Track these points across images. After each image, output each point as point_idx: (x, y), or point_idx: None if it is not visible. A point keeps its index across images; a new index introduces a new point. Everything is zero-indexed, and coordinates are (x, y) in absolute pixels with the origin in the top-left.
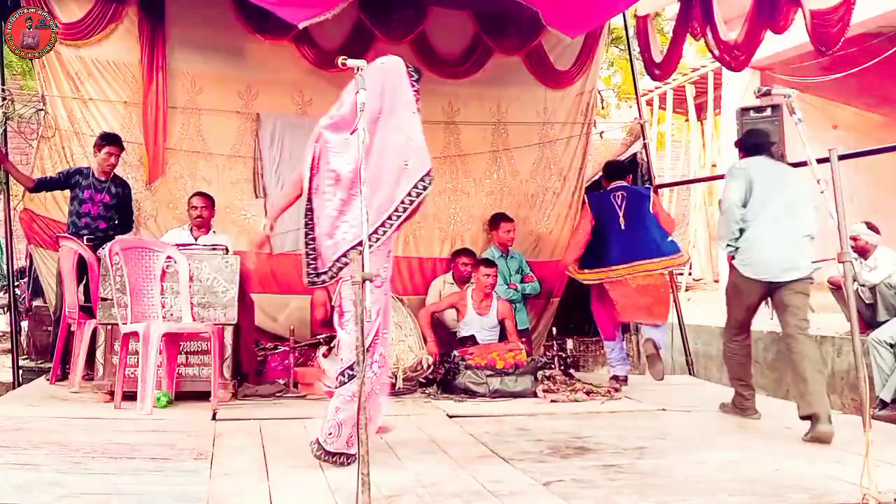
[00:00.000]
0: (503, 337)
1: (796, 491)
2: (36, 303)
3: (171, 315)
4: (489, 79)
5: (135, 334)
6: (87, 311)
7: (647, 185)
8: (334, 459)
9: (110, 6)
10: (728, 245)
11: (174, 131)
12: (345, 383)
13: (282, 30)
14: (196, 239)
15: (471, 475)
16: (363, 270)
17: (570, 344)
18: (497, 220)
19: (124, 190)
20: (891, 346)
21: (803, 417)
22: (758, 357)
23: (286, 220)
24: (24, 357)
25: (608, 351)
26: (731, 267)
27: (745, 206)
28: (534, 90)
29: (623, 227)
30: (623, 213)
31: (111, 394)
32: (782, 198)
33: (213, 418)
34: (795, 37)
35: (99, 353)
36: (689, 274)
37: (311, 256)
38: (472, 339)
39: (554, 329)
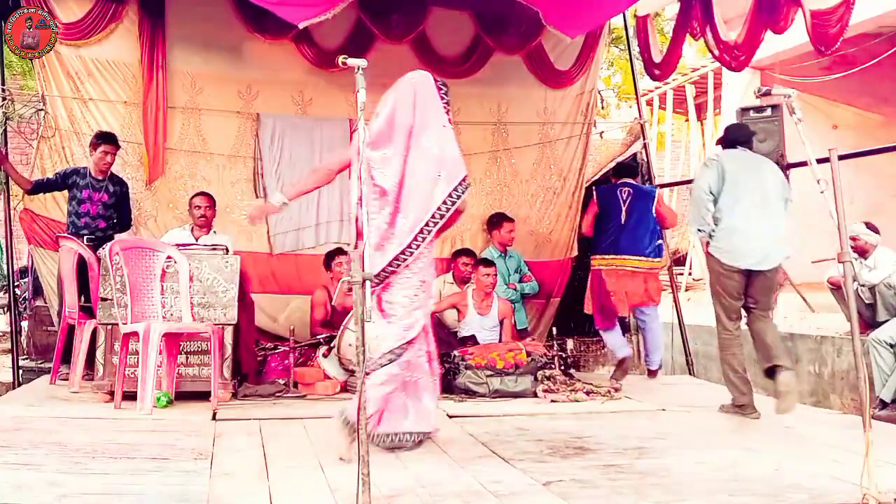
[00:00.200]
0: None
1: (796, 491)
2: (36, 303)
3: (171, 315)
4: (489, 79)
5: (135, 334)
6: (87, 311)
7: (652, 186)
8: (407, 439)
9: (110, 6)
10: (699, 230)
11: (174, 131)
12: (384, 365)
13: (282, 29)
14: (196, 239)
15: (471, 475)
16: (363, 270)
17: (570, 344)
18: (499, 219)
19: (122, 188)
20: (891, 346)
21: (767, 370)
22: (758, 357)
23: (285, 220)
24: (24, 357)
25: (608, 339)
26: (708, 254)
27: (717, 195)
28: (534, 90)
29: (623, 221)
30: (626, 207)
31: (111, 394)
32: (757, 188)
33: (213, 418)
34: (795, 37)
35: (99, 353)
36: (689, 274)
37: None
38: (472, 339)
39: (554, 329)
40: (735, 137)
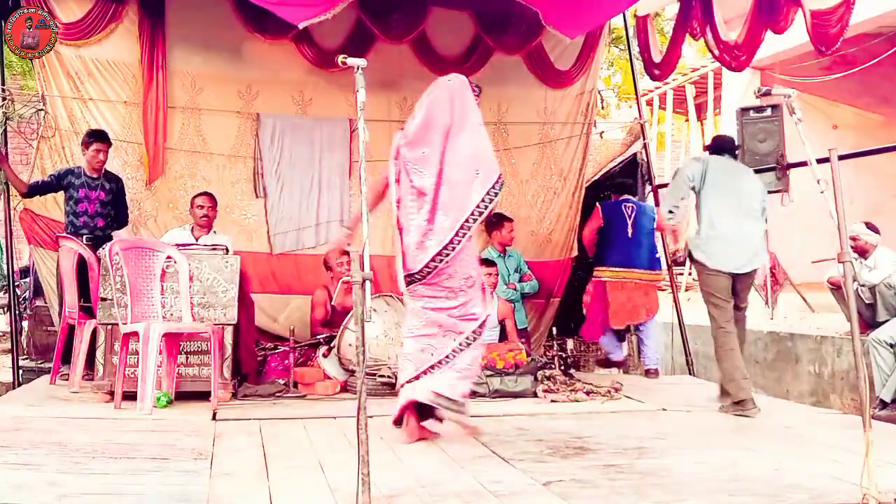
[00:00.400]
0: (503, 337)
1: (796, 491)
2: (36, 303)
3: (171, 315)
4: (489, 78)
5: (135, 334)
6: (87, 311)
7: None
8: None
9: (110, 6)
10: (670, 212)
11: (174, 131)
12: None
13: (282, 29)
14: (196, 239)
15: (471, 475)
16: (363, 270)
17: (570, 344)
18: (499, 220)
19: (118, 184)
20: (891, 346)
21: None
22: (758, 357)
23: (285, 220)
24: (24, 357)
25: (602, 342)
26: (694, 261)
27: (696, 188)
28: (534, 90)
29: (630, 234)
30: (632, 222)
31: (111, 394)
32: (739, 195)
33: (213, 418)
34: (795, 37)
35: (99, 353)
36: (689, 274)
37: (401, 263)
38: None
39: (554, 329)
40: (721, 145)
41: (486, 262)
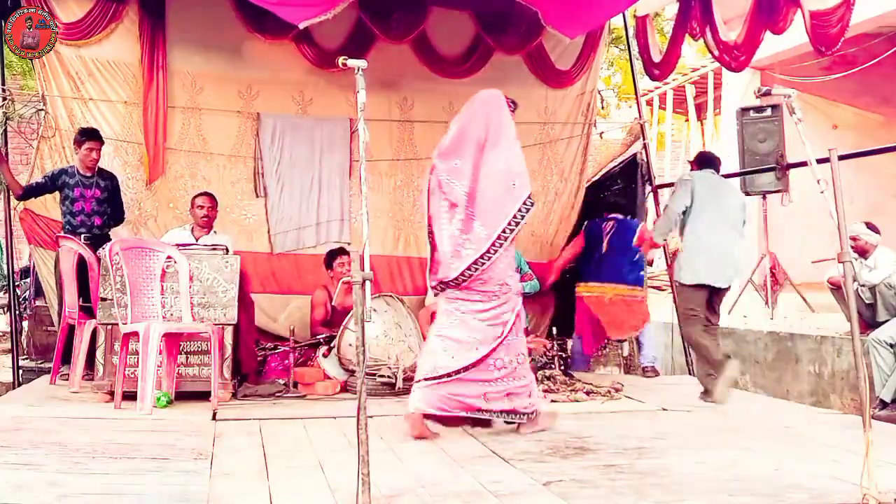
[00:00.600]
0: None
1: (796, 491)
2: (37, 303)
3: (171, 315)
4: (490, 78)
5: (135, 334)
6: (87, 311)
7: (636, 220)
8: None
9: (110, 6)
10: (661, 237)
11: (174, 131)
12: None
13: (282, 29)
14: (197, 239)
15: (471, 475)
16: (363, 270)
17: (570, 344)
18: None
19: (112, 182)
20: (891, 346)
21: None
22: (758, 357)
23: (285, 220)
24: (24, 357)
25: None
26: (674, 280)
27: (685, 212)
28: (535, 90)
29: (604, 250)
30: (607, 240)
31: (111, 394)
32: (723, 210)
33: (213, 418)
34: (795, 37)
35: (99, 353)
36: None
37: (432, 272)
38: None
39: (554, 329)
40: (706, 161)
41: None
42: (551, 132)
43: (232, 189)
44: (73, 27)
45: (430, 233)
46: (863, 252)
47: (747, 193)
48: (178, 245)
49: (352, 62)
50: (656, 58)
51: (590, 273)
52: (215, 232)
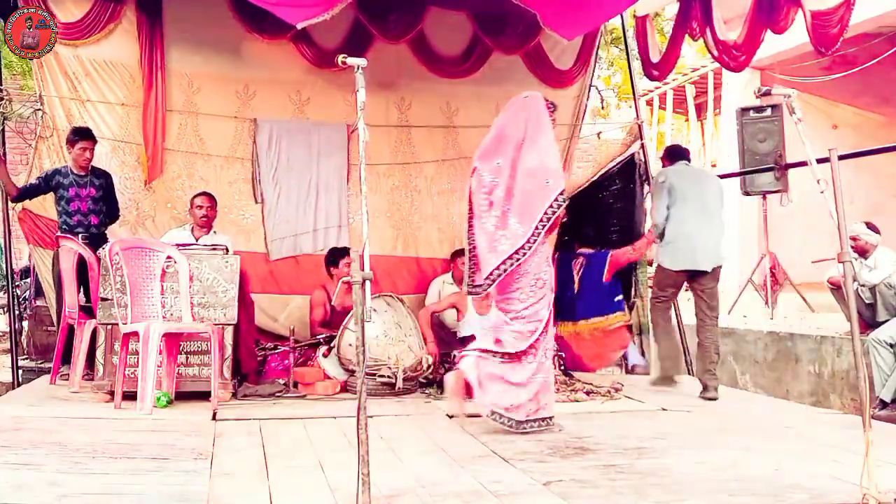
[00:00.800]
0: None
1: (796, 491)
2: (37, 303)
3: (171, 315)
4: (488, 79)
5: (135, 334)
6: (87, 311)
7: (605, 251)
8: (537, 426)
9: (108, 6)
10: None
11: (172, 131)
12: (527, 353)
13: (280, 29)
14: (196, 239)
15: (471, 475)
16: (363, 270)
17: None
18: None
19: (107, 180)
20: (891, 346)
21: (700, 374)
22: (758, 357)
23: (283, 225)
24: (24, 357)
25: None
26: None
27: (668, 207)
28: (534, 90)
29: (576, 290)
30: (578, 277)
31: (111, 394)
32: (698, 198)
33: (213, 418)
34: (796, 37)
35: (99, 353)
36: None
37: (472, 271)
38: (472, 339)
39: (555, 329)
40: (675, 154)
41: None
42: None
43: (230, 189)
44: (71, 27)
45: (471, 234)
46: (863, 252)
47: (747, 193)
48: (178, 245)
49: (351, 60)
50: (655, 58)
51: (566, 311)
52: (215, 232)
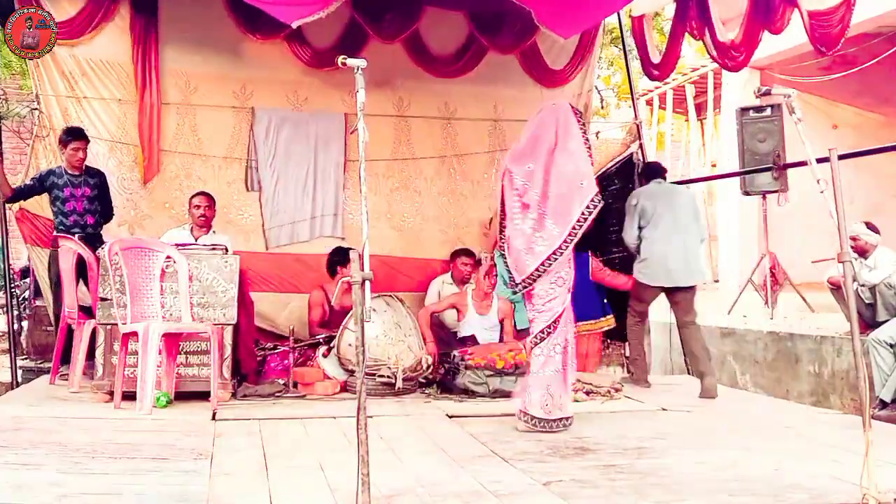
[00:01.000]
0: (503, 337)
1: (796, 491)
2: (36, 303)
3: (171, 315)
4: (485, 78)
5: (134, 334)
6: (87, 311)
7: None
8: (561, 425)
9: (102, 4)
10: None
11: (169, 131)
12: (538, 343)
13: (274, 28)
14: (196, 239)
15: (471, 475)
16: (362, 270)
17: None
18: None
19: (101, 179)
20: (891, 346)
21: (697, 375)
22: (758, 357)
23: (281, 213)
24: (23, 357)
25: None
26: (634, 279)
27: (641, 227)
28: (530, 90)
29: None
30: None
31: (111, 394)
32: (670, 215)
33: (213, 418)
34: (795, 37)
35: (99, 353)
36: None
37: (511, 273)
38: (472, 339)
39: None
40: (651, 172)
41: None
42: None
43: (228, 189)
44: (65, 25)
45: (503, 233)
46: (863, 252)
47: (747, 193)
48: (177, 245)
49: (351, 61)
50: (655, 58)
51: None
52: (214, 232)
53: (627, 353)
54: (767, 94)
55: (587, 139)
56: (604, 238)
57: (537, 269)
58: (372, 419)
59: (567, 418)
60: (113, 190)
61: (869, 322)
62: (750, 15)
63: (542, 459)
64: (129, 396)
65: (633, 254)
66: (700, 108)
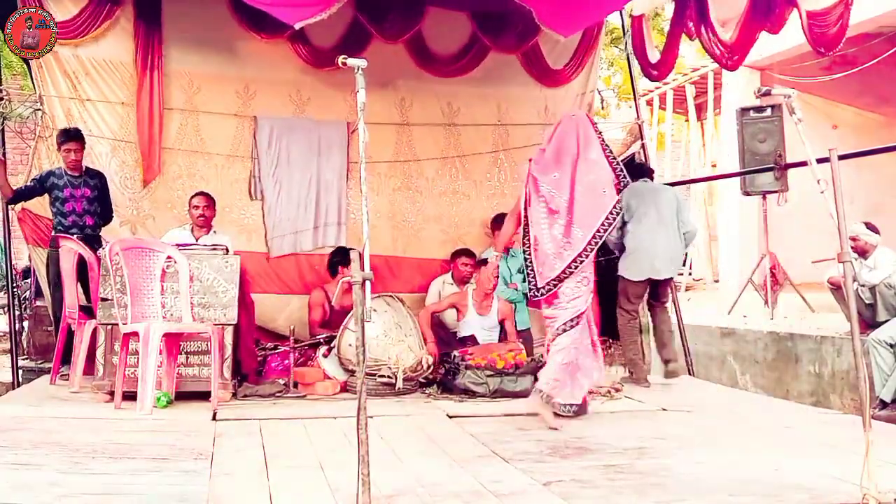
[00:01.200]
0: (503, 337)
1: (796, 491)
2: (37, 303)
3: (171, 315)
4: (489, 79)
5: (135, 334)
6: (87, 311)
7: None
8: (564, 409)
9: (105, 4)
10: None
11: (172, 131)
12: (559, 335)
13: (277, 29)
14: (197, 239)
15: (471, 475)
16: (362, 270)
17: None
18: (502, 221)
19: (101, 180)
20: (891, 346)
21: (665, 361)
22: (758, 357)
23: (284, 222)
24: (24, 357)
25: None
26: (619, 275)
27: (626, 222)
28: (532, 90)
29: None
30: None
31: (111, 394)
32: (654, 211)
33: (213, 418)
34: (795, 37)
35: (99, 353)
36: (689, 274)
37: (532, 276)
38: (472, 339)
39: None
40: (636, 172)
41: (486, 262)
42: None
43: (231, 189)
44: (67, 25)
45: (526, 238)
46: (863, 252)
47: (747, 193)
48: (178, 245)
49: (352, 61)
50: (653, 58)
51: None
52: (215, 232)
53: (624, 355)
54: (768, 94)
55: (606, 146)
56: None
57: (563, 272)
58: (372, 419)
59: (573, 405)
60: (116, 190)
61: (869, 322)
62: (748, 14)
63: (542, 459)
64: (130, 396)
65: (612, 251)
66: (700, 109)
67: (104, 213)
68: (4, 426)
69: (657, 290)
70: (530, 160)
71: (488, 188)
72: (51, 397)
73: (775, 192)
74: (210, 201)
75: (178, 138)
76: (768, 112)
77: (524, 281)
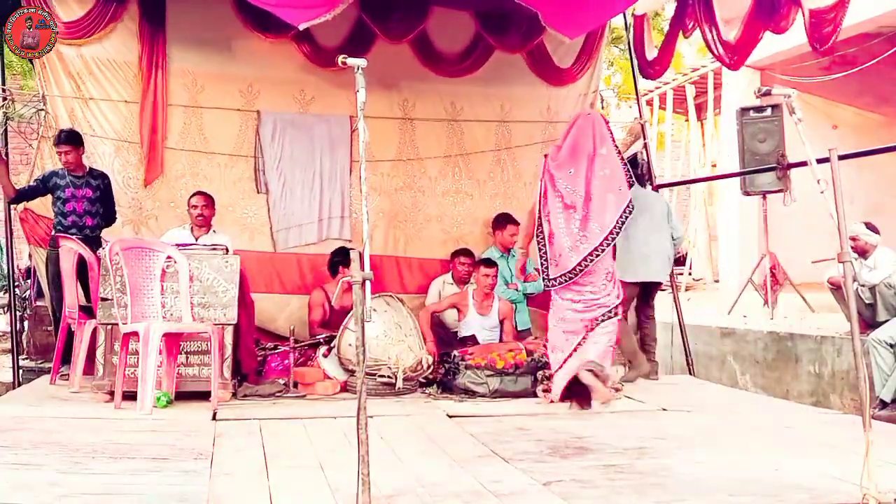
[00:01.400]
0: (503, 337)
1: (796, 491)
2: (37, 303)
3: (171, 315)
4: (491, 78)
5: (135, 334)
6: (88, 311)
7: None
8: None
9: (111, 5)
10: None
11: (175, 130)
12: (603, 321)
13: (282, 28)
14: (196, 239)
15: (471, 475)
16: (363, 270)
17: None
18: (503, 221)
19: (104, 181)
20: (891, 346)
21: (649, 360)
22: (758, 357)
23: (287, 216)
24: (24, 357)
25: None
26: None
27: None
28: (536, 89)
29: None
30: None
31: (111, 394)
32: (647, 215)
33: (213, 418)
34: (795, 37)
35: (99, 353)
36: (689, 274)
37: (545, 267)
38: (472, 339)
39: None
40: (634, 175)
41: (488, 263)
42: (553, 131)
43: (234, 188)
44: (72, 26)
45: (540, 230)
46: (863, 252)
47: (747, 193)
48: (177, 245)
49: (351, 61)
50: (650, 56)
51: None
52: (215, 231)
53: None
54: (768, 94)
55: (616, 146)
56: None
57: (579, 265)
58: (372, 419)
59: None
60: (119, 189)
61: (869, 322)
62: (752, 13)
63: (542, 459)
64: (130, 396)
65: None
66: (700, 109)
67: (106, 214)
68: (4, 426)
69: (647, 293)
70: (546, 156)
71: (491, 188)
72: (51, 397)
73: (776, 191)
74: (209, 200)
75: (182, 137)
76: (768, 112)
77: (524, 280)
